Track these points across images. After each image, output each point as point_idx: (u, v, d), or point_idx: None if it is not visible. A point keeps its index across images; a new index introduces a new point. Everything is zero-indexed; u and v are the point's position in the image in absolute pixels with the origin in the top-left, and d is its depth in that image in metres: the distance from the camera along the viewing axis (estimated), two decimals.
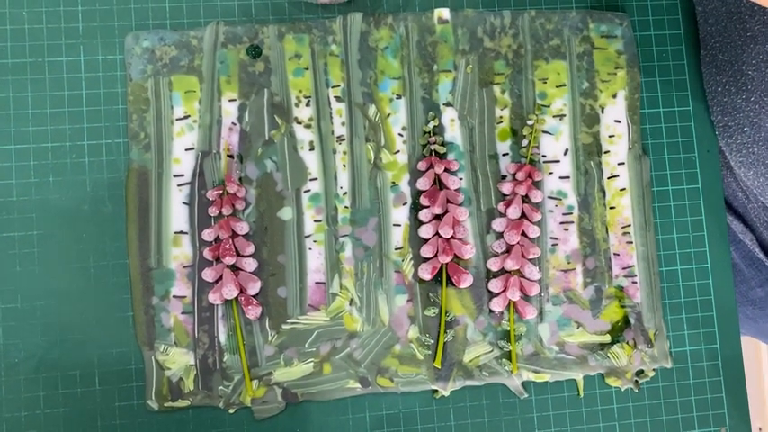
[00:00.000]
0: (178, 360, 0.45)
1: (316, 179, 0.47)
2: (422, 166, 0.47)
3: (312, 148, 0.47)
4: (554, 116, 0.49)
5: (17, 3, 0.46)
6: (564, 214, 0.48)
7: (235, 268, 0.45)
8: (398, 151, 0.48)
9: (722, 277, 0.50)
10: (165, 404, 0.45)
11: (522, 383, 0.47)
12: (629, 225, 0.49)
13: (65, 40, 0.46)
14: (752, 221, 0.56)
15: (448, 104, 0.48)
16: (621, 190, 0.49)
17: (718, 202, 0.50)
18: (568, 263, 0.48)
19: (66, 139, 0.46)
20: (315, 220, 0.47)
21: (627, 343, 0.48)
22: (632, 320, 0.48)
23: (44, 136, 0.46)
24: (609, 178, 0.49)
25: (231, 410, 0.45)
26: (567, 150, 0.49)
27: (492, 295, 0.47)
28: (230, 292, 0.44)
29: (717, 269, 0.50)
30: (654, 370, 0.48)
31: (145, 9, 0.47)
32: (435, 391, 0.47)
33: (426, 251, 0.46)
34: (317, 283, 0.46)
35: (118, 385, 0.45)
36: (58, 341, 0.45)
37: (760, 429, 1.19)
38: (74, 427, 0.44)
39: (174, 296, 0.45)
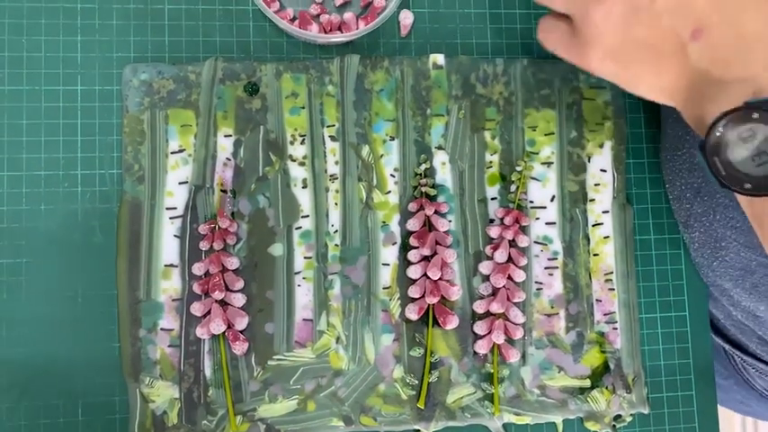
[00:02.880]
0: (163, 393, 0.45)
1: (307, 216, 0.47)
2: (412, 207, 0.48)
3: (305, 186, 0.48)
4: (542, 163, 0.50)
5: (17, 30, 0.46)
6: (549, 259, 0.49)
7: (223, 303, 0.46)
8: (390, 192, 0.48)
9: (699, 325, 0.51)
10: None
11: (504, 425, 0.48)
12: (612, 272, 0.50)
13: (63, 70, 0.47)
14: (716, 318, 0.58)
15: (440, 148, 0.49)
16: (605, 237, 0.50)
17: None
18: (552, 307, 0.49)
19: (59, 168, 0.46)
20: (305, 257, 0.47)
21: (606, 388, 0.49)
22: (612, 366, 0.49)
23: (38, 164, 0.46)
24: (593, 226, 0.50)
25: None
26: (553, 197, 0.50)
27: (477, 337, 0.48)
28: (218, 327, 0.44)
29: (694, 318, 0.51)
30: (631, 415, 0.49)
31: (144, 42, 0.48)
32: (418, 431, 0.47)
33: (414, 291, 0.47)
34: (304, 320, 0.47)
35: (101, 417, 0.45)
36: (42, 370, 0.44)
37: None
38: None
39: (161, 329, 0.45)
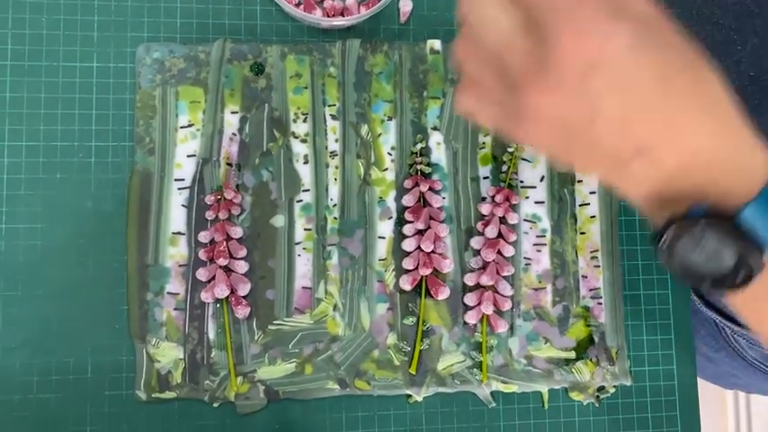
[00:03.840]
0: (168, 354, 0.47)
1: (308, 190, 0.50)
2: (408, 183, 0.51)
3: (306, 162, 0.50)
4: None
5: (37, 9, 0.49)
6: (537, 236, 0.52)
7: (227, 269, 0.48)
8: (387, 169, 0.51)
9: (681, 303, 0.54)
10: (153, 395, 0.47)
11: (491, 393, 0.50)
12: (598, 250, 0.52)
13: (80, 47, 0.49)
14: None
15: (435, 128, 0.52)
16: (592, 217, 0.53)
17: None
18: (539, 282, 0.51)
19: (74, 140, 0.49)
20: (305, 229, 0.50)
21: (590, 360, 0.51)
22: (596, 339, 0.51)
23: (54, 135, 0.48)
24: (581, 206, 0.53)
25: (215, 404, 0.47)
26: (543, 177, 0.52)
27: (467, 308, 0.50)
28: (222, 291, 0.47)
29: (676, 296, 0.53)
30: (614, 387, 0.52)
31: (157, 23, 0.50)
32: (409, 395, 0.49)
33: (408, 263, 0.50)
34: (303, 287, 0.49)
35: (109, 375, 0.47)
36: (54, 329, 0.47)
37: None
38: (64, 412, 0.46)
39: (168, 293, 0.48)
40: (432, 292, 0.50)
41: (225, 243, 0.48)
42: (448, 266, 0.50)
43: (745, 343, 0.60)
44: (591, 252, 0.52)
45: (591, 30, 0.31)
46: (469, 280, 0.50)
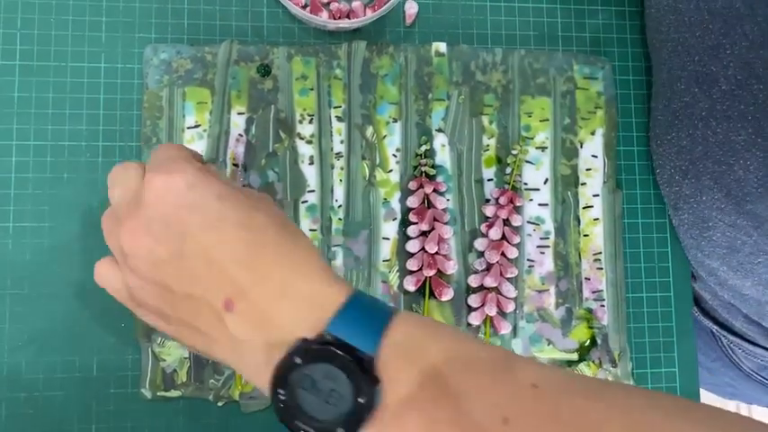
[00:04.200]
0: (173, 353, 0.48)
1: (313, 191, 0.50)
2: (412, 185, 0.51)
3: (312, 163, 0.50)
4: (537, 148, 0.53)
5: (46, 10, 0.49)
6: (541, 238, 0.52)
7: None
8: (391, 170, 0.51)
9: (683, 306, 0.54)
10: (158, 393, 0.47)
11: None
12: (601, 252, 0.52)
13: (88, 48, 0.50)
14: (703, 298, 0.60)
15: (440, 130, 0.52)
16: (595, 219, 0.53)
17: None
18: (543, 284, 0.52)
19: (82, 140, 0.49)
20: (310, 230, 0.50)
21: (593, 362, 0.51)
22: (599, 341, 0.51)
23: (62, 135, 0.49)
24: (584, 208, 0.53)
25: (220, 403, 0.48)
26: (546, 180, 0.53)
27: (470, 309, 0.50)
28: None
29: (679, 298, 0.54)
30: None
31: (164, 24, 0.51)
32: None
33: (412, 264, 0.50)
34: None
35: (114, 373, 0.47)
36: (60, 328, 0.47)
37: None
38: (69, 410, 0.47)
39: None
40: (436, 294, 0.50)
41: None
42: (452, 268, 0.50)
43: (741, 353, 0.60)
44: (594, 254, 0.52)
45: (173, 171, 0.35)
46: (473, 281, 0.51)
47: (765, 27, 0.41)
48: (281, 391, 0.32)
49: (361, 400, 0.31)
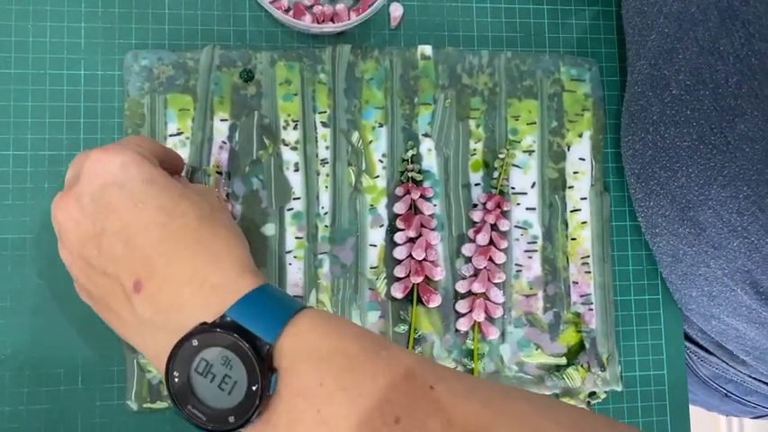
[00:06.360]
0: None
1: (299, 198, 0.50)
2: (399, 191, 0.51)
3: (297, 169, 0.50)
4: (524, 151, 0.52)
5: (23, 16, 0.48)
6: (529, 243, 0.52)
7: None
8: (378, 176, 0.51)
9: (671, 309, 0.54)
10: (145, 405, 0.47)
11: None
12: (589, 256, 0.52)
13: (67, 55, 0.49)
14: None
15: (426, 135, 0.52)
16: (583, 223, 0.53)
17: None
18: (530, 288, 0.51)
19: (63, 149, 0.48)
20: (296, 237, 0.49)
21: (581, 366, 0.51)
22: (587, 345, 0.51)
23: (42, 144, 0.48)
24: (572, 212, 0.53)
25: None
26: (534, 184, 0.52)
27: (458, 315, 0.50)
28: None
29: (667, 301, 0.54)
30: (605, 392, 0.52)
31: (145, 30, 0.50)
32: None
33: (399, 271, 0.50)
34: (295, 296, 0.49)
35: (100, 385, 0.47)
36: (45, 340, 0.47)
37: None
38: (55, 423, 0.46)
39: None
40: (423, 300, 0.50)
41: None
42: (439, 274, 0.50)
43: (697, 360, 0.60)
44: (582, 258, 0.52)
45: (110, 150, 0.36)
46: (461, 287, 0.50)
47: (715, 33, 0.41)
48: (176, 373, 0.32)
49: (254, 387, 0.31)
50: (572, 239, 0.52)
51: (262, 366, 0.31)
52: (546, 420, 0.31)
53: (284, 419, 0.31)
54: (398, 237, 0.50)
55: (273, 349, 0.32)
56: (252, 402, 0.31)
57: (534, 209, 0.52)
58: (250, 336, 0.32)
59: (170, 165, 0.41)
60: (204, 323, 0.33)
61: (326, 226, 0.50)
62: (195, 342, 0.32)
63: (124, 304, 0.35)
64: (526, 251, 0.52)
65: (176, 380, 0.32)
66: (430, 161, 0.51)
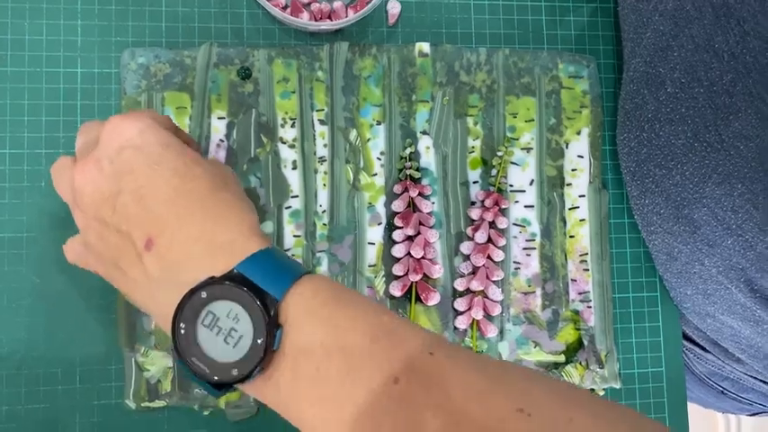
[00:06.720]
0: (157, 362, 0.47)
1: (297, 196, 0.50)
2: (397, 189, 0.50)
3: (295, 167, 0.50)
4: (522, 149, 0.52)
5: (19, 14, 0.48)
6: (527, 240, 0.52)
7: None
8: (376, 174, 0.51)
9: (670, 306, 0.54)
10: (143, 404, 0.47)
11: None
12: (587, 253, 0.52)
13: (63, 52, 0.49)
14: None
15: (424, 133, 0.51)
16: (581, 220, 0.52)
17: None
18: (529, 286, 0.51)
19: (59, 147, 0.48)
20: (294, 235, 0.49)
21: (580, 363, 0.51)
22: (585, 342, 0.51)
23: (38, 143, 0.48)
24: (570, 209, 0.52)
25: (206, 412, 0.47)
26: (532, 181, 0.52)
27: (457, 313, 0.50)
28: None
29: (665, 298, 0.54)
30: (603, 389, 0.52)
31: (142, 27, 0.50)
32: None
33: (398, 269, 0.49)
34: None
35: (98, 384, 0.47)
36: (42, 339, 0.47)
37: None
38: (53, 422, 0.46)
39: None
40: (422, 298, 0.50)
41: None
42: (438, 272, 0.50)
43: (693, 357, 0.60)
44: (580, 255, 0.52)
45: (129, 117, 0.37)
46: (459, 285, 0.50)
47: (710, 30, 0.41)
48: (182, 326, 0.33)
49: (259, 341, 0.32)
50: (570, 237, 0.52)
51: (268, 321, 0.32)
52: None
53: (286, 375, 0.32)
54: (397, 235, 0.50)
55: (279, 305, 0.33)
56: (257, 356, 0.32)
57: (532, 206, 0.52)
58: (258, 290, 0.33)
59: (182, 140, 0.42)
60: (213, 277, 0.33)
61: (325, 224, 0.50)
62: (204, 294, 0.33)
63: (135, 263, 0.36)
64: (524, 249, 0.52)
65: (182, 332, 0.33)
66: (428, 159, 0.51)
